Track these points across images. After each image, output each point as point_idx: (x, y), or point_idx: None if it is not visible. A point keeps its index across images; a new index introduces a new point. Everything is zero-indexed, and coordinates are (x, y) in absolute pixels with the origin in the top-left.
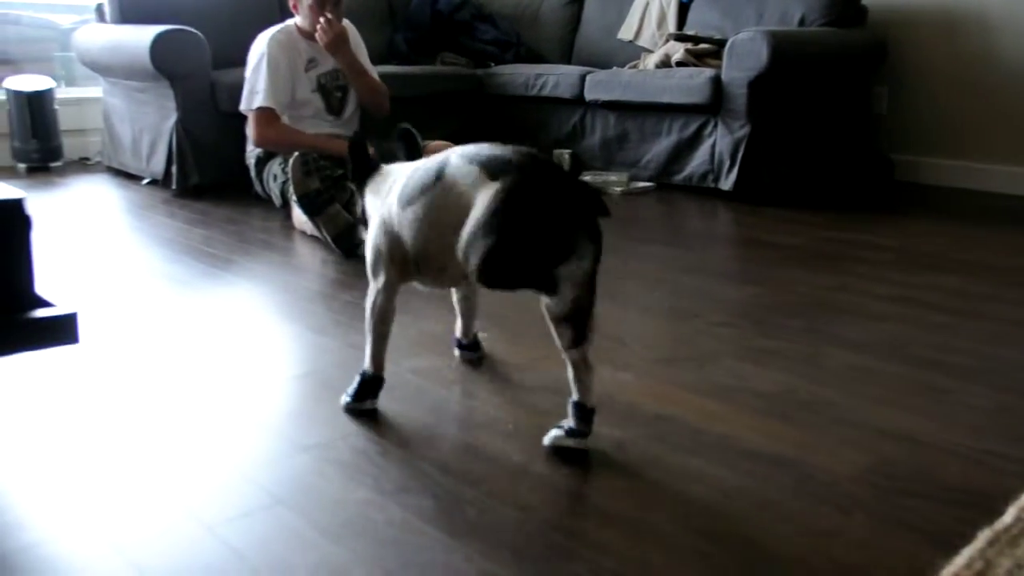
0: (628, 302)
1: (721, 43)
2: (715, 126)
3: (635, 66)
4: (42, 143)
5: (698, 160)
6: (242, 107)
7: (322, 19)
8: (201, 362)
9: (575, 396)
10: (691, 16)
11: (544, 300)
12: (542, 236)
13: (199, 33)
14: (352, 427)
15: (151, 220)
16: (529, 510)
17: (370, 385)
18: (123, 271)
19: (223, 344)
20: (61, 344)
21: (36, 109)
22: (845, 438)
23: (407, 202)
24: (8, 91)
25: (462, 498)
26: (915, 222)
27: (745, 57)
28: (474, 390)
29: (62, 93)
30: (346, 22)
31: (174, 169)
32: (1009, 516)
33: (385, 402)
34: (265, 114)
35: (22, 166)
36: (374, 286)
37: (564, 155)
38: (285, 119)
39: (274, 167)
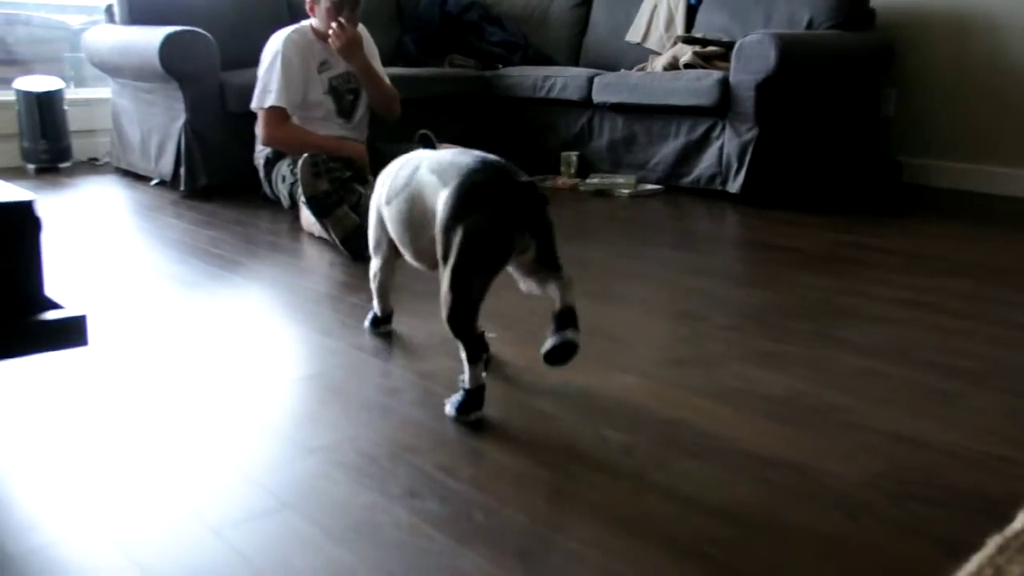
0: (635, 304)
1: (729, 45)
2: (723, 128)
3: (643, 68)
4: (51, 144)
5: (706, 163)
6: (253, 105)
7: (335, 24)
8: (207, 364)
9: (559, 303)
10: (699, 18)
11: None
12: (483, 232)
13: (208, 34)
14: (359, 430)
15: (159, 221)
16: (536, 515)
17: (382, 320)
18: (131, 272)
19: (229, 346)
20: (70, 346)
21: (46, 110)
22: (853, 442)
23: (388, 200)
24: (18, 91)
25: (469, 502)
26: (924, 225)
27: (753, 59)
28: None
29: (71, 94)
30: (360, 27)
31: (182, 170)
32: (1019, 522)
33: (393, 405)
34: (276, 113)
35: (31, 166)
36: (375, 260)
37: (572, 157)
38: (295, 120)
39: (283, 168)
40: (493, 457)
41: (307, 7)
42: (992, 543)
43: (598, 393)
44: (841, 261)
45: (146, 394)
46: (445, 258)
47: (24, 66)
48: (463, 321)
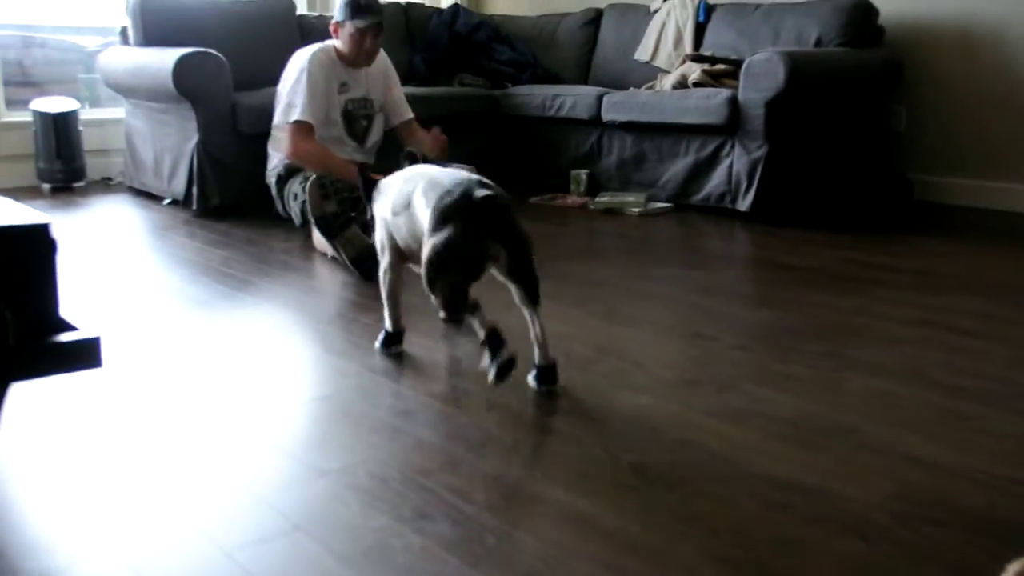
0: (646, 324)
1: (738, 64)
2: (732, 147)
3: (652, 87)
4: (66, 164)
5: (715, 181)
6: (276, 120)
7: (435, 130)
8: (220, 385)
9: (536, 357)
10: (707, 37)
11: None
12: (452, 242)
13: (221, 56)
14: (370, 452)
15: (171, 241)
16: (548, 539)
17: (392, 338)
18: (144, 292)
19: (242, 367)
20: (85, 368)
21: (61, 130)
22: (866, 465)
23: (394, 212)
24: (35, 112)
25: (481, 526)
26: (935, 243)
27: (762, 78)
28: (492, 415)
29: (86, 114)
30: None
31: (195, 190)
32: None
33: (404, 426)
34: (302, 128)
35: (47, 186)
36: (383, 264)
37: (581, 175)
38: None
39: (295, 186)
40: (505, 480)
41: (331, 29)
42: (1012, 568)
43: (610, 414)
44: (852, 280)
45: (159, 415)
46: (426, 266)
47: (40, 87)
48: (450, 312)
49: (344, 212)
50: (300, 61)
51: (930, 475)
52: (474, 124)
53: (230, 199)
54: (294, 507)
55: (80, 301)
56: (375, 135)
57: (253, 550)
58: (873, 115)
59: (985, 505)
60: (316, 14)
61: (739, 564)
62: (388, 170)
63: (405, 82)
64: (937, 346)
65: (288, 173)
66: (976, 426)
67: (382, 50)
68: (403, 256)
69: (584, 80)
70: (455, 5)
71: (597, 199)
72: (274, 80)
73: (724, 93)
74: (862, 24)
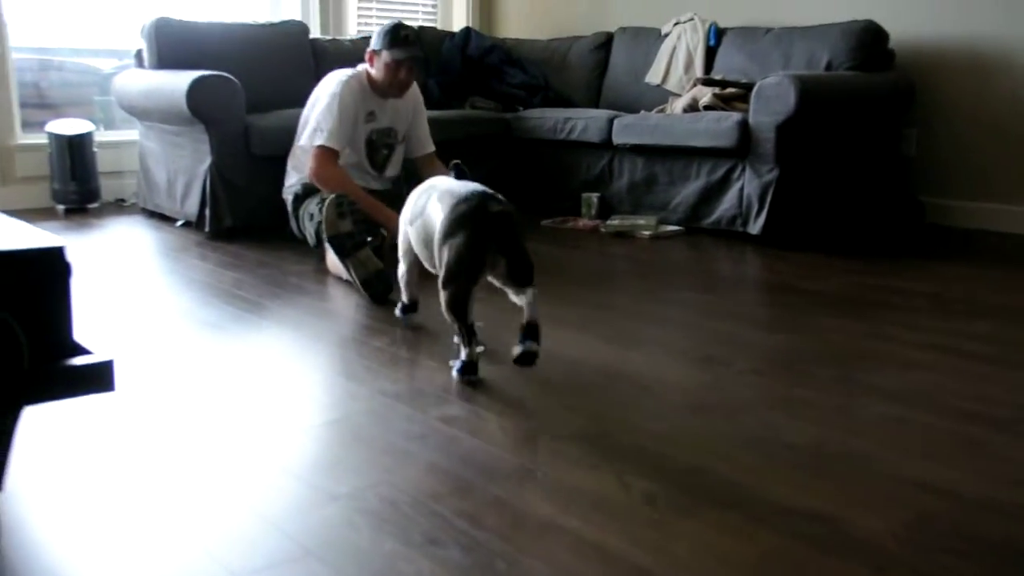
0: (657, 349)
1: (748, 87)
2: (743, 170)
3: (662, 110)
4: (81, 185)
5: (726, 204)
6: (301, 141)
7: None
8: (230, 407)
9: (524, 318)
10: (718, 60)
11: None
12: (460, 248)
13: (234, 79)
14: (381, 476)
15: (184, 262)
16: (559, 566)
17: (410, 307)
18: (156, 314)
19: (252, 389)
20: (97, 392)
21: (76, 152)
22: (881, 492)
23: (411, 221)
24: (50, 135)
25: (492, 551)
26: (948, 266)
27: (773, 101)
28: (504, 439)
29: (100, 136)
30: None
31: (207, 211)
32: None
33: (416, 451)
34: (327, 153)
35: (61, 207)
36: (401, 265)
37: (592, 198)
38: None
39: (311, 206)
40: (516, 505)
41: (366, 56)
42: None
43: (622, 439)
44: (864, 304)
45: (169, 438)
46: (441, 266)
47: (56, 109)
48: (455, 311)
49: (359, 233)
50: (332, 85)
51: (947, 503)
52: (486, 147)
53: (242, 221)
54: (304, 531)
55: (93, 323)
56: (394, 166)
57: (262, 575)
58: (884, 138)
59: (1004, 534)
60: (329, 38)
61: None
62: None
63: None
64: (951, 371)
65: (305, 193)
66: (991, 452)
67: (414, 83)
68: (417, 259)
69: (595, 103)
70: (467, 29)
71: (608, 222)
72: (287, 103)
73: (735, 116)
74: (872, 48)
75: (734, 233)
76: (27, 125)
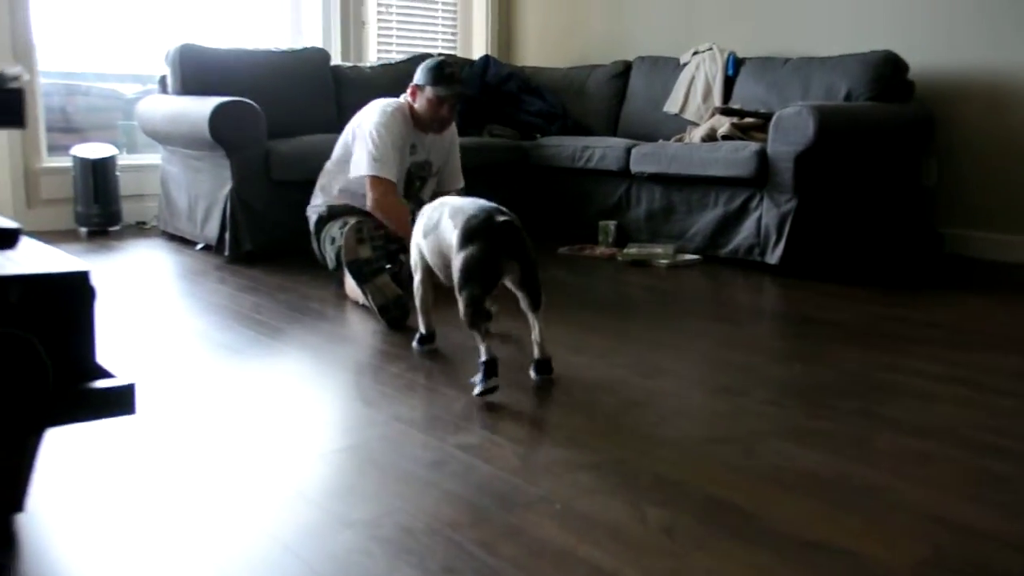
0: (674, 378)
1: (767, 117)
2: (761, 199)
3: (681, 139)
4: (103, 208)
5: (744, 233)
6: (363, 171)
7: None
8: (247, 432)
9: (535, 353)
10: (736, 90)
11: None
12: (475, 258)
13: (256, 105)
14: (397, 503)
15: (204, 286)
16: None
17: (425, 338)
18: (175, 337)
19: (269, 414)
20: (119, 415)
21: (100, 176)
22: (899, 526)
23: (424, 235)
24: (75, 158)
25: None
26: (967, 297)
27: (791, 131)
28: (520, 467)
29: (123, 160)
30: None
31: (227, 235)
32: None
33: (432, 478)
34: (387, 184)
35: (83, 230)
36: (416, 279)
37: (610, 226)
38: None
39: (333, 230)
40: (532, 534)
41: (409, 91)
42: None
43: (639, 468)
44: (883, 335)
45: (186, 461)
46: (456, 276)
47: (81, 133)
48: (471, 318)
49: (378, 260)
50: (378, 116)
51: (965, 539)
52: (504, 175)
53: (261, 245)
54: (320, 558)
55: (114, 345)
56: (425, 198)
57: None
58: (903, 169)
59: (1022, 571)
60: (349, 64)
61: None
62: None
63: None
64: (971, 404)
65: (330, 215)
66: (1012, 488)
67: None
68: (431, 272)
69: (613, 132)
70: (486, 56)
71: (625, 250)
72: (308, 128)
73: (753, 146)
74: (891, 78)
75: (752, 263)
76: (53, 148)
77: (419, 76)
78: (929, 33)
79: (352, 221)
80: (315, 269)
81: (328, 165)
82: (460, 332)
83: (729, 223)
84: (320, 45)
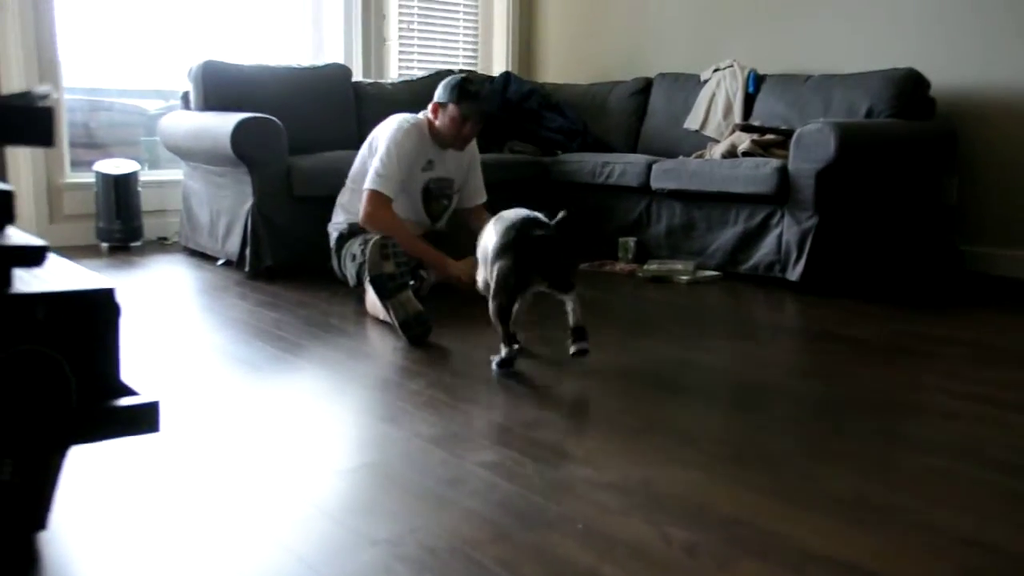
0: (696, 396)
1: (788, 134)
2: (782, 216)
3: (701, 155)
4: (125, 223)
5: (764, 250)
6: (366, 184)
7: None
8: (269, 448)
9: (570, 323)
10: (757, 107)
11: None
12: (505, 270)
13: (277, 121)
14: (419, 521)
15: (225, 301)
16: None
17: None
18: (196, 353)
19: (290, 430)
20: (143, 432)
21: (122, 191)
22: (923, 546)
23: (480, 251)
24: (97, 174)
25: None
26: (989, 315)
27: (812, 148)
28: (542, 486)
29: (145, 175)
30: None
31: (248, 251)
32: None
33: (453, 496)
34: (381, 198)
35: (105, 245)
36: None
37: (630, 243)
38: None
39: (354, 247)
40: (554, 553)
41: (430, 108)
42: None
43: (660, 488)
44: (904, 352)
45: (207, 478)
46: (492, 282)
47: (103, 149)
48: (500, 319)
49: (402, 276)
50: (393, 131)
51: (991, 560)
52: (524, 191)
53: (282, 261)
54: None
55: (135, 361)
56: (448, 214)
57: None
58: (924, 187)
59: None
60: (371, 81)
61: None
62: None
63: None
64: (994, 423)
65: (351, 233)
66: None
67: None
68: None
69: (634, 148)
70: (507, 73)
71: (645, 267)
72: (329, 145)
73: (774, 163)
74: (913, 96)
75: (772, 279)
76: (76, 164)
77: (441, 93)
78: (951, 50)
79: (375, 237)
80: (335, 285)
81: (348, 182)
82: (480, 349)
83: (749, 240)
84: (342, 61)
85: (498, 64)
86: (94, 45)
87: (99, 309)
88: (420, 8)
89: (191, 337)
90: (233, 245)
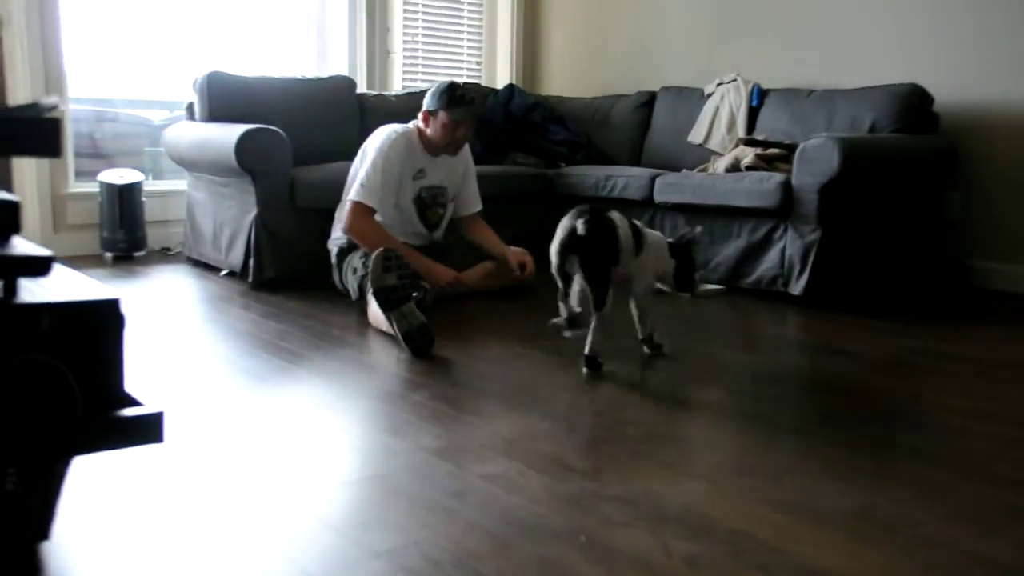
0: (700, 408)
1: (791, 148)
2: (785, 230)
3: (704, 169)
4: (128, 233)
5: (768, 264)
6: (350, 195)
7: (518, 250)
8: (272, 460)
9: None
10: (761, 121)
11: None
12: (552, 251)
13: (282, 132)
14: (423, 533)
15: (228, 312)
16: None
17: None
18: (200, 364)
19: (294, 442)
20: (147, 443)
21: (126, 201)
22: (928, 561)
23: None
24: (102, 184)
25: None
26: (993, 330)
27: (816, 162)
28: (546, 498)
29: (149, 186)
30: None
31: (251, 262)
32: None
33: (457, 508)
34: (363, 208)
35: (109, 255)
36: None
37: None
38: (378, 218)
39: (355, 260)
40: (558, 565)
41: (421, 117)
42: None
43: (664, 500)
44: (909, 367)
45: (211, 490)
46: None
47: (108, 159)
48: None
49: (404, 288)
50: (381, 142)
51: (992, 573)
52: (527, 203)
53: (285, 272)
54: None
55: (139, 371)
56: (445, 222)
57: None
58: (928, 201)
59: None
60: (375, 93)
61: None
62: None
63: None
64: (999, 438)
65: (351, 246)
66: None
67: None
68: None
69: (637, 161)
70: (511, 85)
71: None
72: (333, 156)
73: (777, 177)
74: (917, 111)
75: (775, 293)
76: (80, 174)
77: (430, 101)
78: (955, 66)
79: (378, 249)
80: (338, 297)
81: (344, 195)
82: (483, 361)
83: (753, 253)
84: (346, 73)
85: (502, 77)
86: (100, 56)
87: (104, 319)
88: (424, 21)
89: (195, 348)
90: (236, 256)
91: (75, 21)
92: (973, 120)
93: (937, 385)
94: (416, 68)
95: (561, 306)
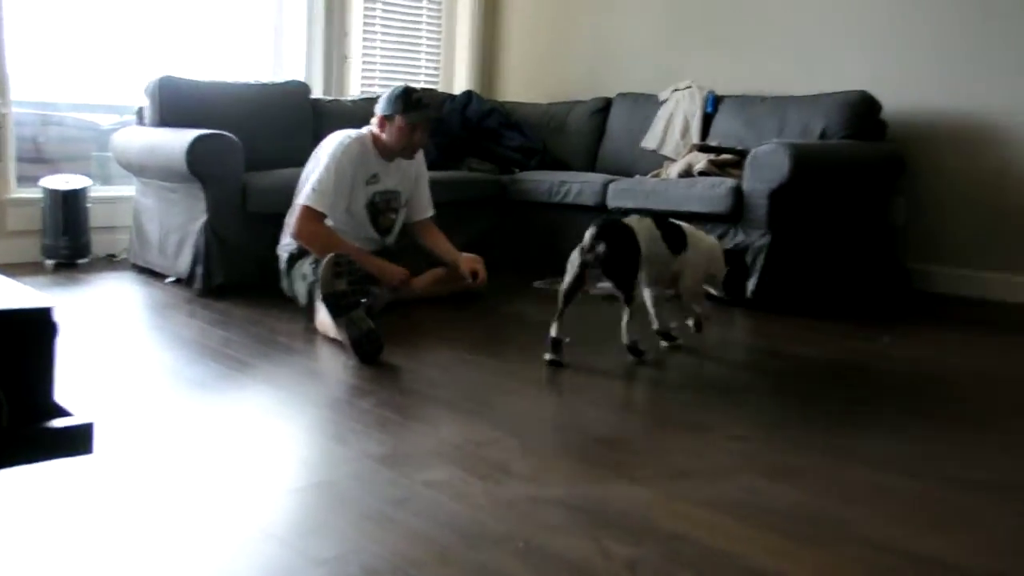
0: (644, 413)
1: (743, 154)
2: (736, 235)
3: (658, 175)
4: (72, 240)
5: None
6: (299, 199)
7: (470, 257)
8: (214, 469)
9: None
10: (714, 127)
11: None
12: (571, 271)
13: (234, 138)
14: (363, 542)
15: (173, 320)
16: None
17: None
18: (141, 373)
19: (236, 451)
20: (76, 455)
21: (70, 207)
22: (867, 561)
23: None
24: (45, 189)
25: None
26: (935, 332)
27: (766, 168)
28: (487, 504)
29: (95, 191)
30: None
31: (199, 268)
32: None
33: (398, 516)
34: (312, 213)
35: (50, 262)
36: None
37: None
38: (328, 222)
39: (304, 266)
40: (497, 572)
41: (376, 122)
42: None
43: (605, 504)
44: (853, 369)
45: (150, 501)
46: None
47: (52, 164)
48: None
49: (354, 293)
50: (333, 147)
51: (934, 572)
52: (481, 209)
53: (234, 279)
54: None
55: (76, 382)
56: (398, 227)
57: None
58: (874, 206)
59: None
60: (330, 98)
61: None
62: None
63: None
64: (937, 438)
65: (300, 253)
66: (982, 521)
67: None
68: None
69: (592, 167)
70: (468, 92)
71: (599, 284)
72: (286, 162)
73: (729, 182)
74: (865, 118)
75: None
76: (23, 179)
77: (385, 106)
78: (902, 75)
79: (328, 256)
80: (286, 303)
81: (295, 200)
82: (431, 368)
83: None
84: (302, 78)
85: (460, 82)
86: (47, 58)
87: (34, 327)
88: (383, 25)
89: (137, 356)
90: (184, 262)
91: (19, 21)
92: (918, 128)
93: (881, 386)
94: (374, 73)
95: (553, 325)
